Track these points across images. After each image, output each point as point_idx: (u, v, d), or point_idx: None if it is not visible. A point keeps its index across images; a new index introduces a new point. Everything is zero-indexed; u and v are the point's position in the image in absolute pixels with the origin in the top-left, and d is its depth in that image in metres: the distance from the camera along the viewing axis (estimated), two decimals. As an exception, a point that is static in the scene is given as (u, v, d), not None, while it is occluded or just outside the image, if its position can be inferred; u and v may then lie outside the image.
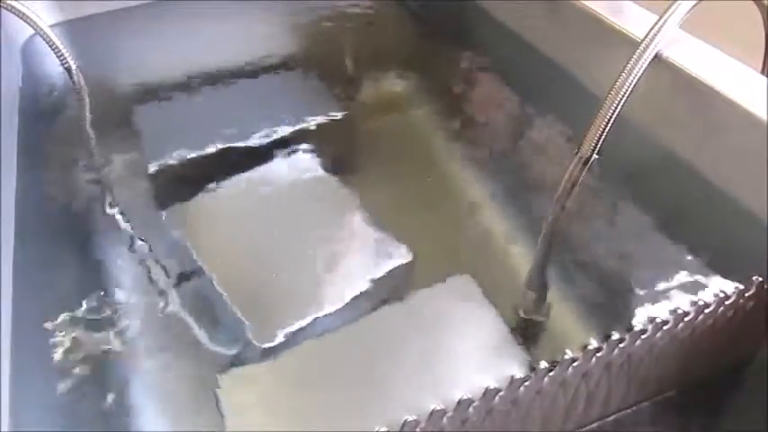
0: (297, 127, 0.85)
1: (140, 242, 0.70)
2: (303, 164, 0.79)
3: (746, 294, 0.50)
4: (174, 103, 0.91)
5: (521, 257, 0.67)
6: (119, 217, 0.73)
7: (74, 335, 0.61)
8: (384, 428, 0.41)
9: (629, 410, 0.53)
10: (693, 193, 0.71)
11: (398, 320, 0.61)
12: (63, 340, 0.61)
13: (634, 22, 0.78)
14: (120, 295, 0.65)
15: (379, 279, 0.64)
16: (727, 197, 0.68)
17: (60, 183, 0.79)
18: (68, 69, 0.96)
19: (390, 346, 0.59)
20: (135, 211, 0.74)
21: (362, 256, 0.67)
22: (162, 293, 0.65)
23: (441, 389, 0.54)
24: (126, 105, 0.91)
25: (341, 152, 0.83)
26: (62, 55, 0.95)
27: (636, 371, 0.49)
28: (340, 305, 0.62)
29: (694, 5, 0.69)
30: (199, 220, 0.73)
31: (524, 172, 0.79)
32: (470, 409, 0.43)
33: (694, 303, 0.48)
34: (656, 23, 0.70)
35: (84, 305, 0.64)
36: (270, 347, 0.59)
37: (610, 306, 0.62)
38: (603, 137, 0.70)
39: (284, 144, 0.82)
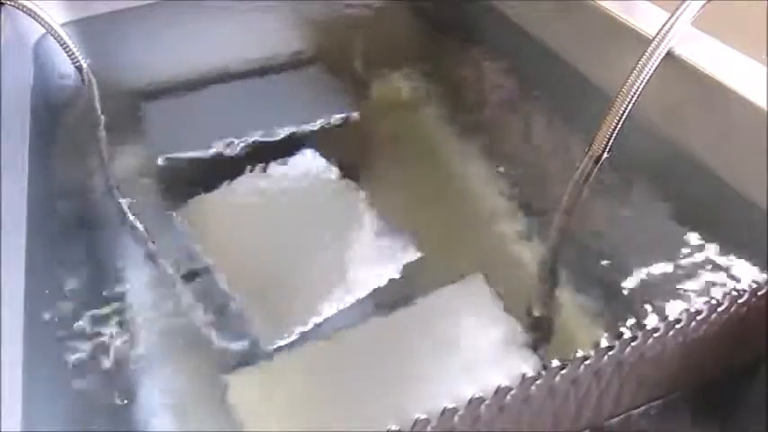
0: (306, 126, 0.84)
1: (150, 240, 0.70)
2: (313, 163, 0.79)
3: (760, 293, 0.49)
4: (183, 102, 0.91)
5: (532, 256, 0.67)
6: (129, 214, 0.74)
7: (84, 331, 0.61)
8: (395, 427, 0.41)
9: (640, 409, 0.53)
10: (705, 190, 0.71)
11: (409, 319, 0.61)
12: (73, 335, 0.61)
13: (646, 19, 0.78)
14: (129, 293, 0.65)
15: (389, 278, 0.64)
16: (740, 195, 0.68)
17: (71, 180, 0.80)
18: (79, 68, 0.96)
19: (401, 344, 0.59)
20: (145, 208, 0.75)
21: (373, 256, 0.67)
22: (171, 291, 0.65)
23: (452, 387, 0.54)
24: (136, 103, 0.91)
25: (351, 151, 0.83)
26: (73, 54, 0.96)
27: (648, 370, 0.49)
28: (350, 304, 0.62)
29: (706, 3, 0.69)
30: (208, 218, 0.73)
31: (535, 171, 0.78)
32: (482, 408, 0.43)
33: (707, 302, 0.48)
34: (667, 21, 0.69)
35: (94, 302, 0.64)
36: (280, 346, 0.59)
37: (621, 304, 0.61)
38: (615, 135, 0.69)
39: (293, 143, 0.82)
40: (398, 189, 0.76)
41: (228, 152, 0.81)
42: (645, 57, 0.68)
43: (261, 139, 0.83)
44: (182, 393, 0.57)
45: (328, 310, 0.62)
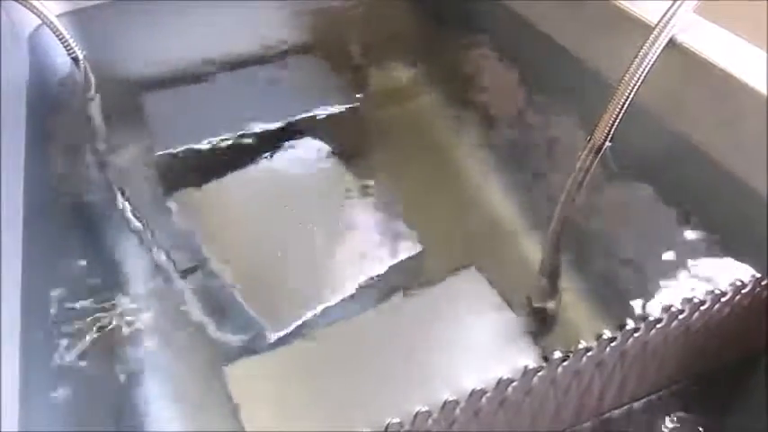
0: (306, 116, 0.84)
1: (149, 231, 0.70)
2: (313, 153, 0.78)
3: (763, 282, 0.49)
4: (182, 92, 0.90)
5: (531, 247, 0.67)
6: (127, 206, 0.73)
7: (82, 324, 0.61)
8: (396, 420, 0.41)
9: (642, 400, 0.52)
10: (707, 178, 0.70)
11: (409, 311, 0.60)
12: (72, 330, 0.61)
13: (648, 6, 0.77)
14: (128, 285, 0.65)
15: (389, 269, 0.64)
16: (744, 184, 0.67)
17: (68, 172, 0.79)
18: (75, 59, 0.96)
19: (401, 336, 0.58)
20: (144, 200, 0.74)
21: (372, 247, 0.66)
22: (171, 283, 0.65)
23: (453, 379, 0.54)
24: (134, 94, 0.90)
25: (351, 141, 0.82)
26: (69, 45, 0.95)
27: (650, 360, 0.49)
28: (350, 295, 0.62)
29: (709, -11, 0.68)
30: (208, 209, 0.73)
31: (535, 160, 0.78)
32: (483, 400, 0.43)
33: (710, 292, 0.48)
34: (669, 8, 0.69)
35: (93, 295, 0.64)
36: (280, 337, 0.59)
37: (623, 295, 0.61)
38: (616, 124, 0.69)
39: (294, 133, 0.82)
40: (398, 179, 0.76)
41: (227, 142, 0.81)
42: (647, 44, 0.68)
43: (260, 130, 0.82)
44: (181, 385, 0.57)
45: (328, 300, 0.61)
